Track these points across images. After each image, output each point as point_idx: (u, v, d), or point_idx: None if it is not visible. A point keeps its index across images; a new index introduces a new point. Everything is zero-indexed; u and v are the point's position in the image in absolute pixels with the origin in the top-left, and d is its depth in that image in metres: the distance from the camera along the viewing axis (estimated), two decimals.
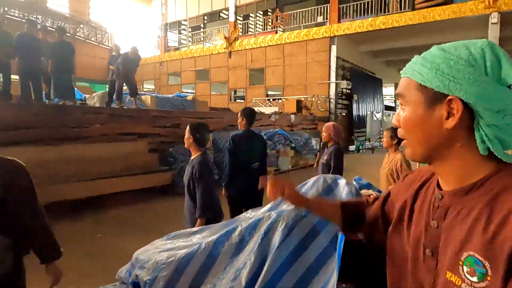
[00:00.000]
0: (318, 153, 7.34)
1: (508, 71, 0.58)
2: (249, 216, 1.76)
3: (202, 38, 20.15)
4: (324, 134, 3.59)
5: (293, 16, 15.82)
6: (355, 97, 15.70)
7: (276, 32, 16.29)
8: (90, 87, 15.86)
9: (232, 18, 17.67)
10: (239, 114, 3.41)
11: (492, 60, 0.59)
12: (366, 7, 13.87)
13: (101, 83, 20.76)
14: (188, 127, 2.66)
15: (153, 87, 21.05)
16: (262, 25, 18.37)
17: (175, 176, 6.16)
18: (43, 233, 1.53)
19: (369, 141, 16.74)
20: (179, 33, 21.79)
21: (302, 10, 15.49)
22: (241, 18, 18.07)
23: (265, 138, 4.50)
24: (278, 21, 16.20)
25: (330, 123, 3.71)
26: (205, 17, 20.25)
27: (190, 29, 20.89)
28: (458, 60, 0.60)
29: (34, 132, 4.92)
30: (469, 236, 0.59)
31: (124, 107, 7.19)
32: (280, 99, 15.74)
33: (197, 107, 11.44)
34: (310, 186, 1.68)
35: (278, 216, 1.51)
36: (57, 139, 5.18)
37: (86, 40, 21.31)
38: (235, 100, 18.10)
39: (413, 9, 12.62)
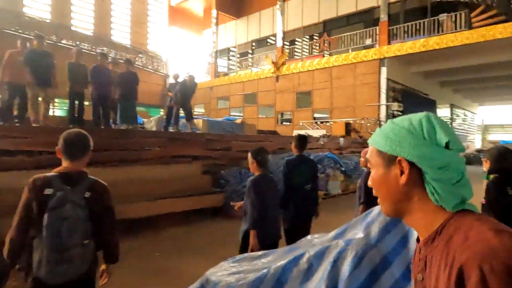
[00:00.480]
0: None
1: (441, 135, 0.72)
2: (313, 242, 1.78)
3: (250, 64, 20.88)
4: (362, 160, 3.61)
5: (341, 39, 15.88)
6: None
7: (323, 56, 16.41)
8: (146, 112, 16.98)
9: (279, 43, 18.16)
10: (293, 140, 3.75)
11: (428, 127, 0.73)
12: (417, 28, 13.55)
13: (156, 107, 22.19)
14: (249, 154, 3.06)
15: (203, 110, 22.03)
16: (309, 49, 18.63)
17: (227, 198, 6.33)
18: (114, 243, 1.97)
19: None
20: (228, 59, 22.77)
21: (350, 33, 15.51)
22: (288, 43, 18.50)
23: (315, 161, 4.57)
24: (326, 44, 16.34)
25: (367, 148, 3.67)
26: (253, 44, 21.03)
27: (238, 55, 21.77)
28: (401, 129, 0.75)
29: (103, 154, 5.39)
30: (438, 281, 0.66)
31: (180, 131, 7.61)
32: (328, 121, 15.62)
33: (245, 130, 11.75)
34: (376, 215, 1.67)
35: (346, 244, 1.52)
36: (121, 161, 5.61)
37: (144, 68, 23.03)
38: (282, 123, 18.29)
39: (470, 27, 12.08)
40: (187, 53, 26.15)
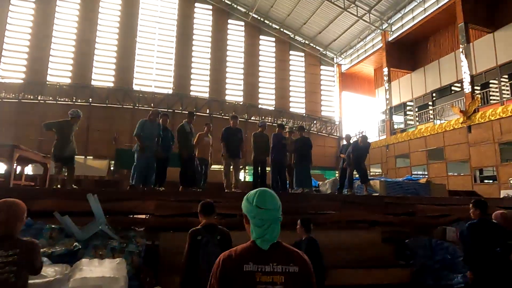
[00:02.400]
0: None
1: (255, 201, 1.55)
2: None
3: (431, 116, 18.81)
4: None
5: None
6: None
7: None
8: (322, 174, 17.34)
9: (467, 89, 15.73)
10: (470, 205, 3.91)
11: (252, 197, 1.58)
12: None
13: (331, 170, 22.49)
14: None
15: (380, 170, 20.78)
16: (510, 90, 15.28)
17: (415, 274, 5.31)
18: None
19: None
20: (405, 114, 21.30)
21: None
22: (479, 88, 15.82)
23: None
24: None
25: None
26: (433, 94, 19.06)
27: (416, 109, 20.08)
28: (245, 198, 1.62)
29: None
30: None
31: (356, 194, 7.25)
32: None
33: (432, 191, 10.12)
34: None
35: None
36: (294, 225, 5.66)
37: (318, 133, 24.28)
38: (482, 181, 15.00)
39: None
40: (360, 114, 26.16)
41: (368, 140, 7.28)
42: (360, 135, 7.16)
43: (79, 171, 16.74)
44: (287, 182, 7.39)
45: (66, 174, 5.78)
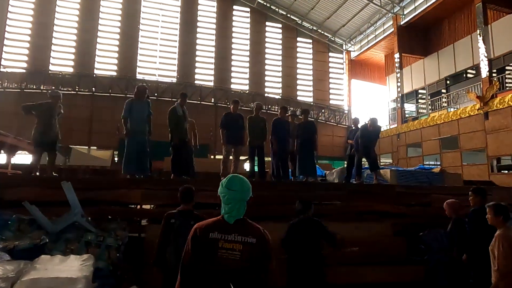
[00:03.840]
0: None
1: (226, 183, 1.93)
2: None
3: (445, 104, 17.98)
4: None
5: None
6: None
7: None
8: (330, 164, 16.76)
9: (484, 74, 14.86)
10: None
11: (225, 180, 1.95)
12: None
13: (339, 160, 21.84)
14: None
15: (390, 160, 20.07)
16: None
17: (430, 272, 4.76)
18: None
19: None
20: (417, 102, 20.46)
21: None
22: (495, 72, 14.95)
23: None
24: None
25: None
26: (447, 80, 18.18)
27: (429, 96, 19.24)
28: (220, 183, 1.98)
29: (278, 209, 5.11)
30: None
31: (364, 183, 6.69)
32: None
33: (446, 180, 9.48)
34: None
35: None
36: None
37: (327, 122, 23.59)
38: (499, 170, 14.23)
39: None
40: (370, 102, 25.36)
41: (378, 124, 6.67)
42: (369, 118, 6.54)
43: (82, 161, 16.44)
44: (290, 170, 6.86)
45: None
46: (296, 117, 7.22)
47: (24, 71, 19.22)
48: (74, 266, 2.67)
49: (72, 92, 19.29)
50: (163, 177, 6.33)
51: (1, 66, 18.88)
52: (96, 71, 20.22)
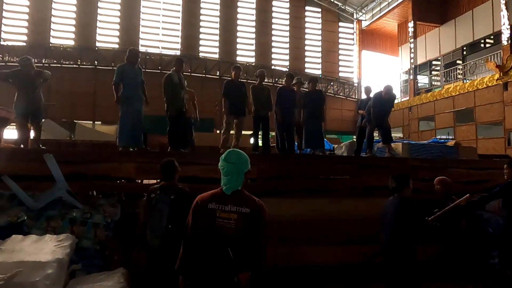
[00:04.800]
0: None
1: (224, 157, 2.08)
2: None
3: (460, 75, 17.11)
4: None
5: None
6: None
7: None
8: (338, 138, 16.26)
9: (505, 41, 13.93)
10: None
11: (224, 154, 2.12)
12: None
13: (349, 134, 21.30)
14: None
15: (401, 134, 19.47)
16: None
17: (445, 252, 4.40)
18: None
19: None
20: (430, 73, 19.57)
21: None
22: None
23: None
24: None
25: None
26: (464, 49, 17.21)
27: (444, 67, 18.33)
28: (220, 157, 2.13)
29: (283, 183, 4.75)
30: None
31: (376, 156, 6.27)
32: None
33: (462, 154, 8.99)
34: None
35: None
36: (303, 191, 4.81)
37: (335, 96, 22.87)
38: None
39: None
40: (380, 74, 24.44)
41: (393, 92, 6.13)
42: (384, 86, 5.99)
43: (87, 136, 16.23)
44: (296, 143, 6.44)
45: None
46: (302, 85, 6.70)
47: (24, 44, 18.76)
48: (46, 247, 2.37)
49: (75, 66, 18.90)
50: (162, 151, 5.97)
51: (1, 39, 18.44)
52: (98, 44, 19.66)
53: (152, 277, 2.82)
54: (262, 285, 2.07)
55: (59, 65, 18.81)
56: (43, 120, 5.34)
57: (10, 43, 18.56)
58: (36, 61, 18.64)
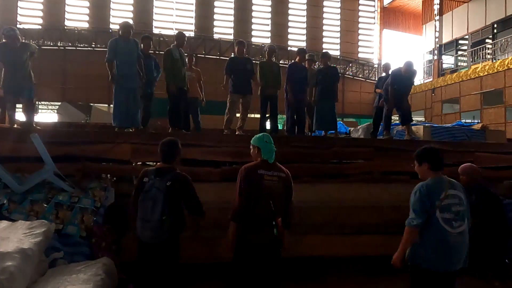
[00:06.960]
0: None
1: (264, 138, 2.85)
2: None
3: (489, 54, 15.98)
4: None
5: None
6: None
7: None
8: (356, 122, 15.65)
9: None
10: None
11: (261, 136, 2.88)
12: None
13: (367, 118, 20.52)
14: None
15: (422, 118, 18.59)
16: None
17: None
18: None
19: None
20: (456, 53, 18.43)
21: None
22: None
23: None
24: None
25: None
26: (495, 27, 16.01)
27: (471, 46, 17.18)
28: (257, 137, 2.88)
29: (290, 168, 4.38)
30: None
31: (394, 139, 5.80)
32: None
33: (488, 138, 8.35)
34: None
35: None
36: (313, 176, 4.44)
37: (354, 77, 22.00)
38: None
39: None
40: (402, 55, 23.32)
41: (414, 68, 5.58)
42: (404, 62, 5.46)
43: (103, 119, 16.23)
44: (306, 124, 6.02)
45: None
46: (314, 62, 6.21)
47: (40, 27, 18.80)
48: (13, 236, 2.13)
49: (89, 48, 18.84)
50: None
51: (18, 22, 18.52)
52: (112, 26, 19.48)
53: (143, 271, 2.55)
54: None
55: (74, 48, 18.82)
56: (37, 102, 5.10)
57: (26, 26, 18.62)
58: (51, 44, 18.74)
